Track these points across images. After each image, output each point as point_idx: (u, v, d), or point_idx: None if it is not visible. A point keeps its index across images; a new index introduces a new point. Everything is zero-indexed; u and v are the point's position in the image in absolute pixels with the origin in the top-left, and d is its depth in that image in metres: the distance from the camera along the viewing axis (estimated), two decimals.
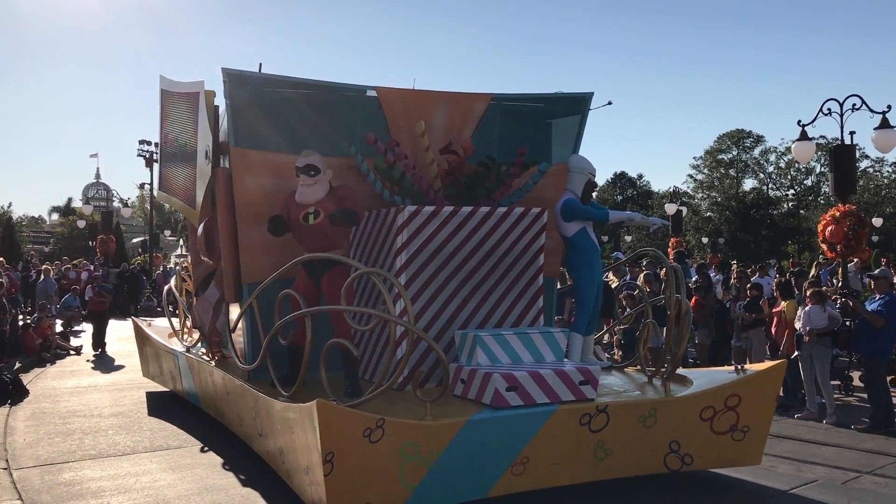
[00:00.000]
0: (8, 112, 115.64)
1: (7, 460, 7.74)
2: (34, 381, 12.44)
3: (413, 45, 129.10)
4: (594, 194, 8.12)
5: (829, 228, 12.70)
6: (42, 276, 21.27)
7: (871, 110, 12.43)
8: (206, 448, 8.16)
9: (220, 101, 7.96)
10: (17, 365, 13.38)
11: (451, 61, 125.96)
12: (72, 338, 17.60)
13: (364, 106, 7.95)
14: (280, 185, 7.26)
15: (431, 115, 7.90)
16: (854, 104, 12.55)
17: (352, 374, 6.78)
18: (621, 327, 11.46)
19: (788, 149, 49.44)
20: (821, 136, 45.90)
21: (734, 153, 62.53)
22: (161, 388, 11.24)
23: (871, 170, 55.56)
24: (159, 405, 10.42)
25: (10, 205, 56.08)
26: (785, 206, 61.59)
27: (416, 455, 5.57)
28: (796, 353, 10.07)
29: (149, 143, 32.35)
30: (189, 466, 7.47)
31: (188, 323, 10.47)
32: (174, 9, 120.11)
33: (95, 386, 12.16)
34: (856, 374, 11.48)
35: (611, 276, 14.15)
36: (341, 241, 7.25)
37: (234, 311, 8.01)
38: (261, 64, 7.87)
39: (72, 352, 15.98)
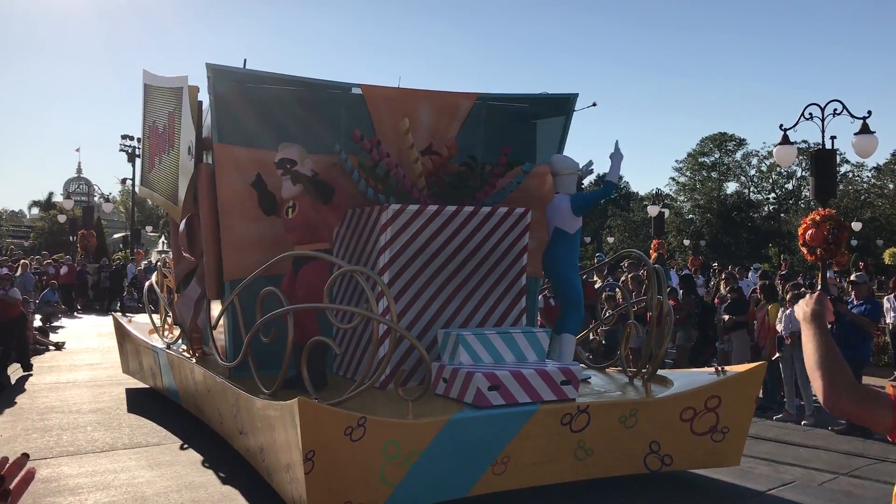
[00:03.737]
0: None
1: None
2: (12, 377, 12.31)
3: (399, 44, 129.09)
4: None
5: (809, 232, 12.80)
6: (20, 271, 21.05)
7: (852, 115, 12.55)
8: (185, 445, 8.12)
9: (204, 97, 7.92)
10: None
11: (436, 61, 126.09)
12: (51, 333, 17.43)
13: (349, 103, 7.94)
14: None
15: (416, 113, 7.90)
16: (835, 109, 12.67)
17: (315, 368, 6.70)
18: (604, 328, 11.51)
19: (770, 152, 49.88)
20: (802, 141, 46.28)
21: (716, 156, 62.92)
22: (141, 385, 11.16)
23: (851, 174, 56.12)
24: (139, 402, 10.35)
25: None
26: (766, 209, 62.06)
27: (397, 454, 5.57)
28: (777, 355, 10.16)
29: (131, 139, 32.17)
30: (168, 464, 7.42)
31: (169, 319, 10.41)
32: (159, 3, 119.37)
33: (74, 382, 12.06)
34: None
35: (595, 276, 14.22)
36: (325, 234, 7.19)
37: (216, 307, 7.97)
38: (245, 60, 7.86)
39: (51, 347, 15.83)
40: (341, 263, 6.50)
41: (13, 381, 11.91)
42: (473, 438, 5.89)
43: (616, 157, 7.80)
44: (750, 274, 20.92)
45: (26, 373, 12.59)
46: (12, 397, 10.71)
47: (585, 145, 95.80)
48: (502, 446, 6.07)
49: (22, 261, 23.91)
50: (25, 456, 1.26)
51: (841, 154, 49.09)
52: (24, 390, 11.26)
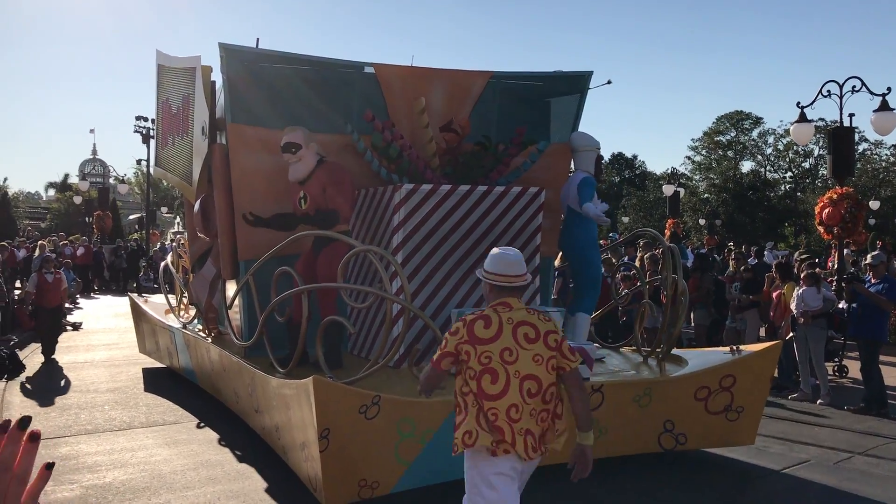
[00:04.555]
0: (4, 87, 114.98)
1: None
2: (30, 357, 12.44)
3: (412, 23, 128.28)
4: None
5: (827, 211, 12.70)
6: (37, 252, 21.21)
7: (871, 92, 12.39)
8: (202, 424, 8.19)
9: (217, 77, 7.91)
10: (14, 340, 13.38)
11: (449, 41, 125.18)
12: (68, 314, 17.58)
13: (361, 82, 7.91)
14: (277, 162, 7.23)
15: (429, 92, 7.85)
16: (854, 86, 12.51)
17: (331, 346, 6.75)
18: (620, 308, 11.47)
19: (787, 131, 49.32)
20: (820, 119, 45.74)
21: (732, 135, 62.36)
22: (157, 365, 11.26)
23: (869, 152, 55.48)
24: (155, 381, 10.44)
25: (5, 180, 55.88)
26: (782, 188, 61.55)
27: (411, 432, 5.59)
28: (791, 334, 10.11)
29: (145, 120, 32.15)
30: (185, 442, 7.50)
31: (185, 299, 10.48)
32: None
33: (91, 362, 12.18)
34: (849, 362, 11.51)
35: (609, 255, 14.16)
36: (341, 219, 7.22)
37: (231, 287, 8.01)
38: (258, 39, 7.84)
39: (68, 328, 15.97)
40: (355, 243, 6.52)
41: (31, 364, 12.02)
42: None
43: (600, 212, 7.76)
44: (766, 253, 20.80)
45: (47, 356, 12.05)
46: (31, 377, 10.82)
47: (600, 124, 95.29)
48: None
49: (39, 242, 24.10)
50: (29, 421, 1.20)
51: (859, 132, 48.55)
52: (43, 370, 11.37)
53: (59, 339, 14.30)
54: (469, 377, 3.71)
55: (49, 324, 12.41)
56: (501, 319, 3.76)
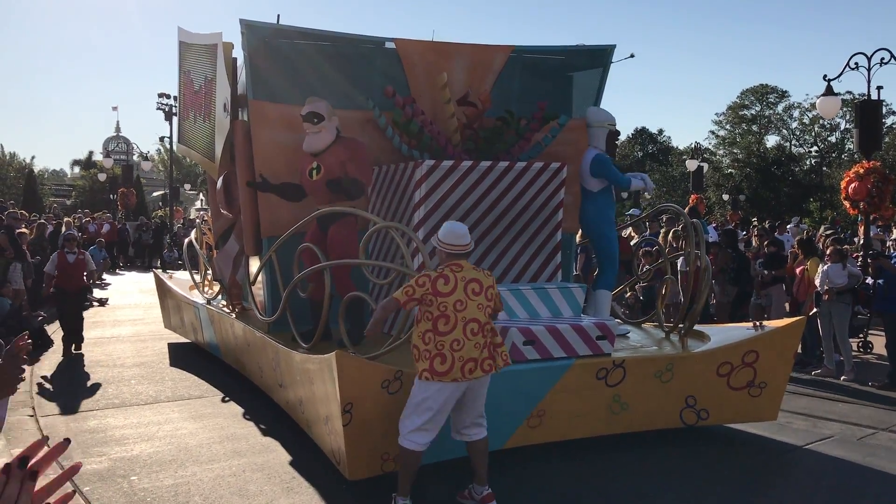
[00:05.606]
0: (30, 65, 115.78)
1: (34, 408, 7.92)
2: (58, 332, 12.62)
3: None
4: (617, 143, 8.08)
5: (853, 185, 12.55)
6: (63, 229, 21.48)
7: None
8: (226, 398, 8.29)
9: (239, 53, 7.92)
10: (42, 316, 13.58)
11: (470, 16, 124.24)
12: (96, 290, 17.81)
13: (382, 58, 7.88)
14: (298, 139, 7.24)
15: (451, 67, 7.81)
16: (882, 58, 12.31)
17: (354, 322, 6.80)
18: (642, 284, 11.43)
19: (813, 104, 48.58)
20: (847, 92, 44.95)
21: (757, 109, 61.50)
22: (182, 340, 11.40)
23: None
24: (181, 356, 10.57)
25: (32, 158, 56.56)
26: (808, 162, 60.73)
27: None
28: (815, 310, 10.03)
29: (168, 97, 32.29)
30: (210, 416, 7.60)
31: (209, 275, 10.57)
32: None
33: (118, 337, 12.35)
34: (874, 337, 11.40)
35: (630, 232, 14.08)
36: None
37: (254, 263, 8.07)
38: (279, 15, 7.80)
39: (95, 303, 16.18)
40: (377, 220, 6.53)
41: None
42: (509, 392, 5.93)
43: (648, 180, 7.99)
44: (789, 228, 20.58)
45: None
46: (58, 352, 10.98)
47: (623, 98, 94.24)
48: (538, 400, 6.11)
49: (65, 219, 24.37)
50: (67, 441, 1.25)
51: (887, 105, 47.72)
52: (70, 346, 11.52)
53: (86, 314, 14.51)
54: (427, 319, 4.92)
55: (71, 310, 11.02)
56: (457, 278, 4.95)
